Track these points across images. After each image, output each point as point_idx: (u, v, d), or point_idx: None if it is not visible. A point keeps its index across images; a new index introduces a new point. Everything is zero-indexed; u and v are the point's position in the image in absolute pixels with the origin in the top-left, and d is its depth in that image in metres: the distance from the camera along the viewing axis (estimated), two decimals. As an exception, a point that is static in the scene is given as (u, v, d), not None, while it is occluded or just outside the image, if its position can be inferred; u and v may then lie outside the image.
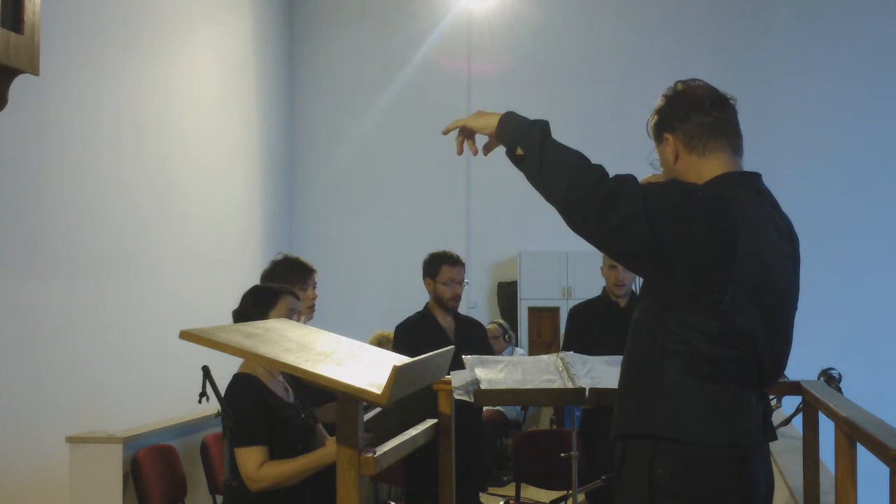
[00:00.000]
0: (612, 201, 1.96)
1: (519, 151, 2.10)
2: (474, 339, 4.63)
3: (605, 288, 4.73)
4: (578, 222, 2.01)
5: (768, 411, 2.15)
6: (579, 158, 2.05)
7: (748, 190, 2.11)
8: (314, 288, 3.99)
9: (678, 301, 2.03)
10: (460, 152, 2.30)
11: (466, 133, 2.25)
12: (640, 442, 2.05)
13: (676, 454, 2.00)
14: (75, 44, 5.95)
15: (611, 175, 2.03)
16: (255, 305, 3.27)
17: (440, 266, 4.60)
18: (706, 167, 2.15)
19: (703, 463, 2.00)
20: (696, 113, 2.16)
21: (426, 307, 4.70)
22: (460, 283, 4.64)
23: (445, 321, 4.64)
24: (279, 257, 4.04)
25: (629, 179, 2.03)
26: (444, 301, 4.60)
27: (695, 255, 1.98)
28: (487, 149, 2.26)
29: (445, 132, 2.29)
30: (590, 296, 4.94)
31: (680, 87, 2.23)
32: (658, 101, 2.24)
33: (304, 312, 3.87)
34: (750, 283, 2.00)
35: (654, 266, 2.05)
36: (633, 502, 2.08)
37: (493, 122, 2.16)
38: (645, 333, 2.11)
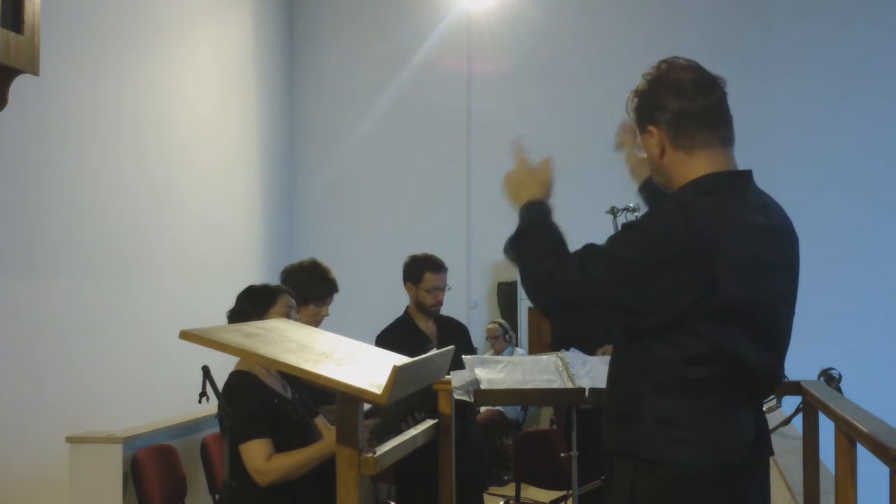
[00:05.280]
0: (554, 276, 1.98)
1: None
2: (456, 342, 4.53)
3: None
4: (534, 299, 2.05)
5: (762, 426, 2.07)
6: (546, 246, 2.05)
7: (733, 195, 2.01)
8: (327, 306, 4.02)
9: (660, 327, 1.97)
10: None
11: None
12: (624, 460, 2.04)
13: (658, 474, 1.97)
14: (75, 44, 5.95)
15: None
16: (253, 305, 3.27)
17: (423, 272, 4.44)
18: (691, 166, 2.02)
19: (685, 483, 1.96)
20: (679, 99, 2.01)
21: (406, 312, 4.56)
22: (443, 289, 4.48)
23: (427, 326, 4.51)
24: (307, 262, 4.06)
25: (575, 255, 2.01)
26: (427, 308, 4.47)
27: (670, 302, 1.93)
28: None
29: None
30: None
31: (664, 66, 2.07)
32: (640, 83, 2.09)
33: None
34: (735, 305, 1.92)
35: (625, 325, 2.06)
36: None
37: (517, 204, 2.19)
38: (626, 354, 2.08)
